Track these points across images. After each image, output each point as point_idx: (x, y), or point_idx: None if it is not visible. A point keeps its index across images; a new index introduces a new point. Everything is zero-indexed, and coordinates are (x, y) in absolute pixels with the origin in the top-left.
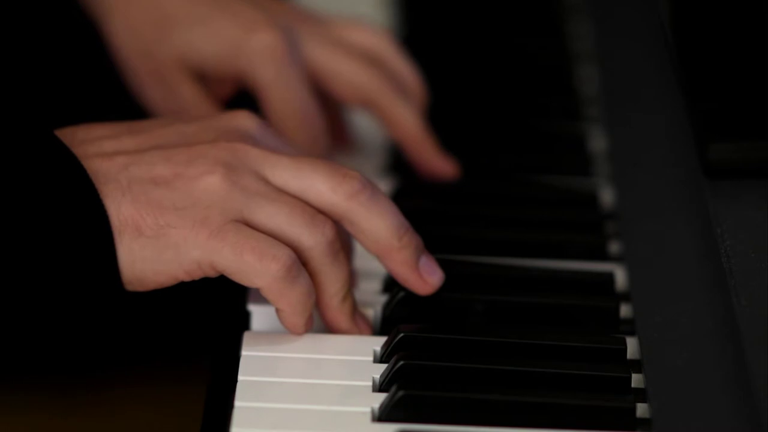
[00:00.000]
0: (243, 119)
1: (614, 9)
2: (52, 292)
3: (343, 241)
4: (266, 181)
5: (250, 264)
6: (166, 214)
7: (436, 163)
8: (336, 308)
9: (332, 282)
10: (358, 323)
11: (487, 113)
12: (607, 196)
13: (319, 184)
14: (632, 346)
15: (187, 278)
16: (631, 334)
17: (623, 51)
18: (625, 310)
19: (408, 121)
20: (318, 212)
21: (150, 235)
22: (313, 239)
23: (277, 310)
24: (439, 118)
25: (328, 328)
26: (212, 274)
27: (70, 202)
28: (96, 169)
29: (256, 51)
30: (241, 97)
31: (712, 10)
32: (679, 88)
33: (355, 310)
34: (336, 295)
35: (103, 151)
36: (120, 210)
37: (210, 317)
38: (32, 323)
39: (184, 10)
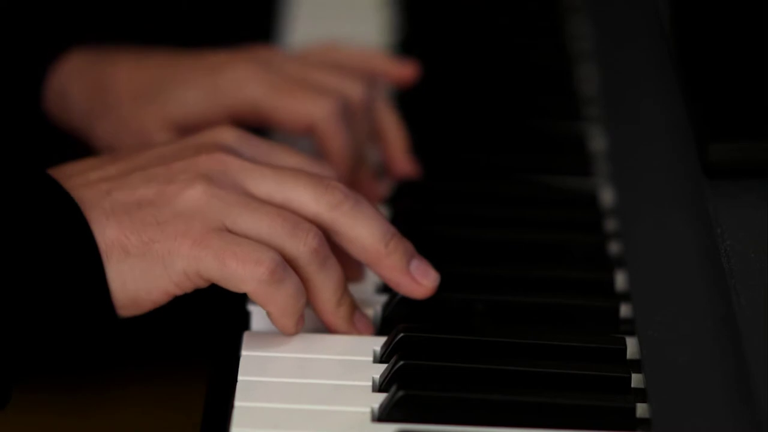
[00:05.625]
0: (222, 133)
1: (614, 9)
2: (45, 319)
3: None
4: (247, 192)
5: (233, 270)
6: (149, 230)
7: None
8: (331, 312)
9: (323, 289)
10: (358, 325)
11: (486, 113)
12: (607, 196)
13: (302, 196)
14: (632, 346)
15: (179, 291)
16: (631, 334)
17: (623, 51)
18: (625, 310)
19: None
20: (301, 220)
21: (136, 254)
22: (296, 249)
23: (267, 312)
24: (439, 118)
25: (329, 330)
26: (202, 284)
27: (60, 232)
28: (81, 198)
29: (234, 82)
30: None
31: (712, 10)
32: (679, 87)
33: (354, 312)
34: (329, 300)
35: (87, 180)
36: (105, 234)
37: (210, 317)
38: (27, 342)
39: (170, 75)
